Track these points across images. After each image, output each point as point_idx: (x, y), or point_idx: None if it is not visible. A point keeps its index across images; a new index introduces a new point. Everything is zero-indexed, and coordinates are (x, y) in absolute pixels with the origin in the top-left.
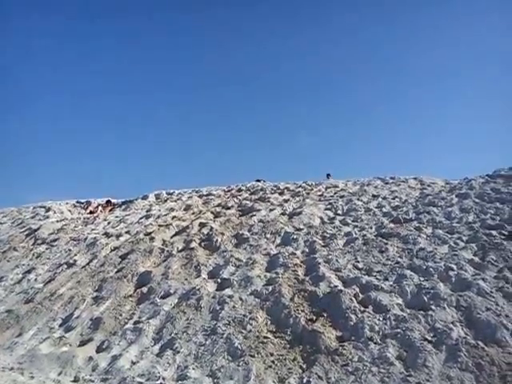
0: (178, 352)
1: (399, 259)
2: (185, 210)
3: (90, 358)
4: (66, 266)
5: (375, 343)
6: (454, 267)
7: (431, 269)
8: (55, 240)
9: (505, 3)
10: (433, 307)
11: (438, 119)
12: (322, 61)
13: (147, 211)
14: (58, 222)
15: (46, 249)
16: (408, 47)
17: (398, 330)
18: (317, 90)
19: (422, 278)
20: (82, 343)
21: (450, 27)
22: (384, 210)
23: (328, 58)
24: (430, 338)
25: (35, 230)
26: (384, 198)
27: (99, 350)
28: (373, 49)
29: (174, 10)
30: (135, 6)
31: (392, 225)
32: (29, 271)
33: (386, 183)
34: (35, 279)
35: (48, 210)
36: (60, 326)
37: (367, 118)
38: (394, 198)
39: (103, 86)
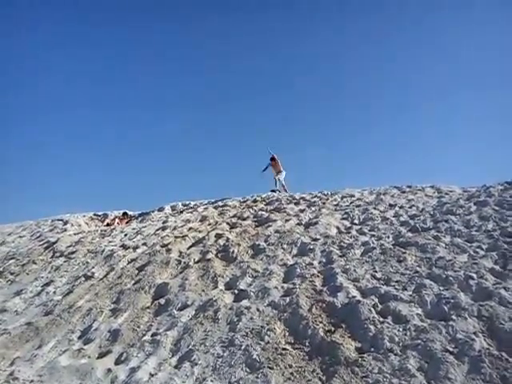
0: (196, 364)
1: (418, 268)
2: (201, 221)
3: (109, 370)
4: (83, 279)
5: (395, 354)
6: (475, 276)
7: (451, 278)
8: (73, 252)
9: None
10: (454, 317)
11: (453, 127)
12: (334, 69)
13: (163, 223)
14: (75, 234)
15: (64, 261)
16: (422, 54)
17: (419, 341)
18: (328, 99)
19: (441, 288)
20: (101, 355)
21: (471, 29)
22: (401, 218)
23: (340, 65)
24: (451, 349)
25: (53, 243)
26: (401, 207)
27: (118, 361)
28: (385, 57)
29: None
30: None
31: (410, 234)
32: (47, 284)
33: (403, 192)
34: (54, 292)
35: (66, 222)
36: (79, 338)
37: (380, 127)
38: (411, 207)
39: (119, 95)
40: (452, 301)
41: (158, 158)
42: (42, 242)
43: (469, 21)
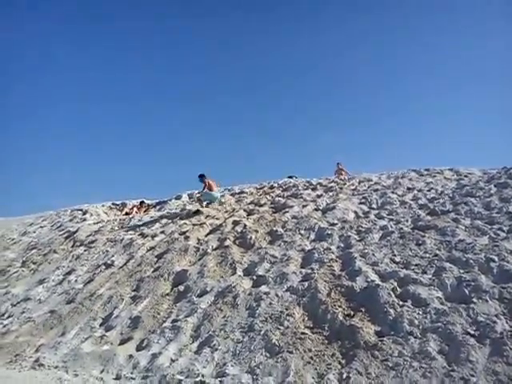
0: (216, 349)
1: (437, 252)
2: (218, 208)
3: (131, 356)
4: (104, 267)
5: (415, 337)
6: (496, 258)
7: (471, 261)
8: (93, 242)
9: None
10: (474, 300)
11: (476, 110)
12: (350, 59)
13: (181, 211)
14: (94, 224)
15: (85, 250)
16: (441, 42)
17: (439, 324)
18: (345, 88)
19: (462, 271)
20: (123, 342)
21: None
22: (420, 202)
23: (355, 55)
24: (472, 332)
25: (74, 233)
26: (419, 191)
27: (139, 348)
28: (403, 44)
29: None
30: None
31: (429, 217)
32: (69, 272)
33: (421, 175)
34: (75, 280)
35: (85, 212)
36: (100, 325)
37: (400, 113)
38: (429, 190)
39: (131, 90)
40: (473, 283)
41: (174, 147)
42: (62, 232)
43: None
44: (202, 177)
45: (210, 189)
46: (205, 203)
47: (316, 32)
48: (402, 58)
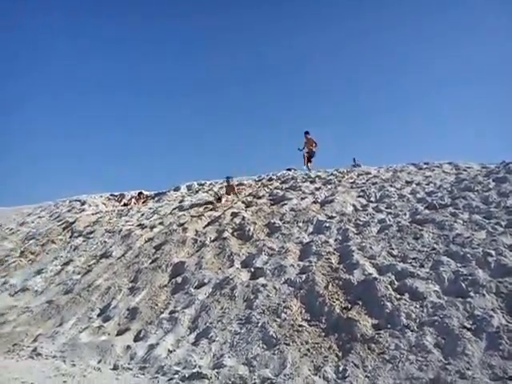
0: (214, 341)
1: (435, 245)
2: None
3: (128, 347)
4: (102, 258)
5: (412, 331)
6: (493, 253)
7: (469, 255)
8: (91, 232)
9: None
10: (471, 294)
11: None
12: (353, 55)
13: (180, 202)
14: (93, 214)
15: (83, 241)
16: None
17: (436, 318)
18: (344, 85)
19: (459, 265)
20: (120, 332)
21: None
22: (418, 195)
23: (362, 49)
24: (469, 326)
25: (72, 223)
26: (418, 184)
27: (136, 339)
28: (404, 42)
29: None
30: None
31: (427, 211)
32: (67, 263)
33: (420, 169)
34: (73, 271)
35: (83, 203)
36: (98, 315)
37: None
38: (428, 184)
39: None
40: (470, 277)
41: (174, 138)
42: (60, 223)
43: None
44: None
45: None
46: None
47: (316, 28)
48: (403, 53)
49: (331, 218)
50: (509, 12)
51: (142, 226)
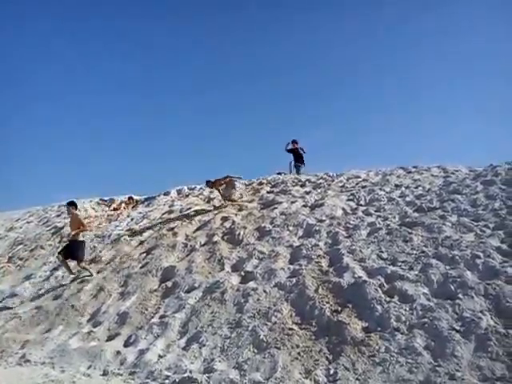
0: (204, 345)
1: (424, 248)
2: (206, 204)
3: (118, 352)
4: (91, 263)
5: (402, 333)
6: (481, 255)
7: (457, 257)
8: None
9: None
10: (460, 296)
11: (456, 109)
12: (350, 51)
13: (169, 206)
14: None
15: None
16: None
17: (425, 320)
18: (332, 85)
19: (448, 267)
20: (110, 338)
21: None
22: (407, 199)
23: (354, 48)
24: (458, 328)
25: (61, 228)
26: (407, 187)
27: (127, 344)
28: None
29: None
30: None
31: (416, 214)
32: (56, 268)
33: (409, 172)
34: (62, 276)
35: None
36: (88, 321)
37: (384, 110)
38: (417, 187)
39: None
40: (459, 280)
41: (163, 143)
42: (49, 228)
43: None
44: None
45: None
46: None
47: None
48: (400, 53)
49: (321, 221)
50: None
51: (131, 231)
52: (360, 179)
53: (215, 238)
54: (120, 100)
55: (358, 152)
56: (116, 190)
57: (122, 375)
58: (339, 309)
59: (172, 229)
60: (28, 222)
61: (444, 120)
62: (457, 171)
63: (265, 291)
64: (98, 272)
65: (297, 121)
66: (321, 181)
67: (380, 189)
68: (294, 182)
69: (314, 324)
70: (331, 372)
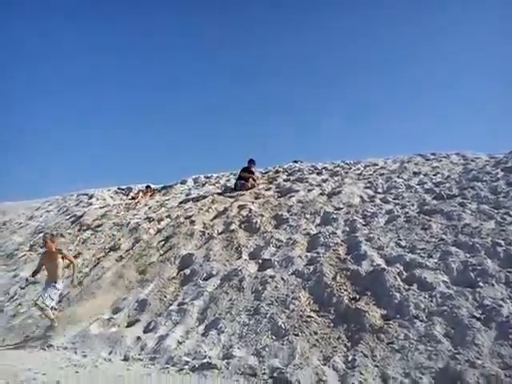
0: (223, 332)
1: (443, 236)
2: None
3: (138, 338)
4: (110, 251)
5: (421, 321)
6: (502, 243)
7: (478, 245)
8: (99, 226)
9: None
10: (480, 284)
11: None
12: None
13: (186, 195)
14: (101, 208)
15: (91, 234)
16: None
17: (445, 308)
18: (351, 74)
19: (468, 255)
20: (130, 324)
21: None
22: (426, 186)
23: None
24: (478, 315)
25: (80, 217)
26: (425, 175)
27: (146, 330)
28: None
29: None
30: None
31: (435, 201)
32: (76, 256)
33: (427, 159)
34: (82, 263)
35: (91, 197)
36: (108, 308)
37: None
38: (435, 175)
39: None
40: (479, 268)
41: (181, 132)
42: (68, 216)
43: None
44: None
45: None
46: None
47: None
48: (415, 43)
49: (338, 209)
50: None
51: (149, 219)
52: (377, 167)
53: (232, 226)
54: (141, 90)
55: (375, 140)
56: (134, 179)
57: (142, 360)
58: (357, 296)
59: (189, 217)
60: (48, 211)
61: (465, 109)
62: (477, 158)
63: (282, 279)
64: (117, 260)
65: (310, 111)
66: (338, 169)
67: (398, 176)
68: (310, 170)
69: (332, 311)
70: (349, 359)
